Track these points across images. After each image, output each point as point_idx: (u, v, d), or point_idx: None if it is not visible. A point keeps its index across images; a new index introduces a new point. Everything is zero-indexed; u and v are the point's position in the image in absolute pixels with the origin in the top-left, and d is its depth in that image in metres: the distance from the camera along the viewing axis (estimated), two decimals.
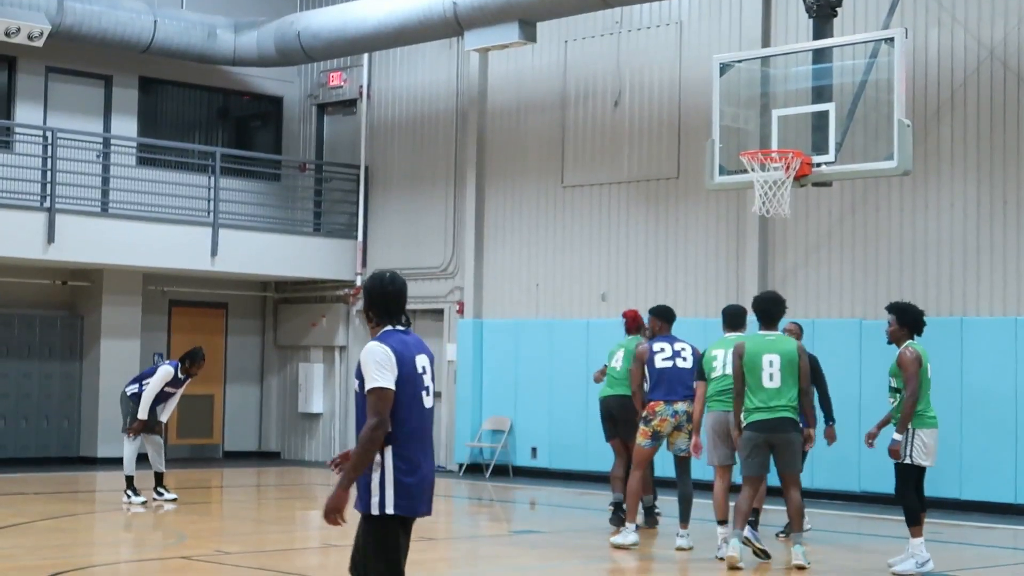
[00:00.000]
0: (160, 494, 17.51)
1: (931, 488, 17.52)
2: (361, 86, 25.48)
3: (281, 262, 24.36)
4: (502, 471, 22.12)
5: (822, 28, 17.31)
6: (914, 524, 12.01)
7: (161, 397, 17.33)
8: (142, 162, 24.39)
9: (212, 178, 23.74)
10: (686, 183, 20.89)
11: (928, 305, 18.37)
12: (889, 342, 12.43)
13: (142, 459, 17.67)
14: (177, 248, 22.92)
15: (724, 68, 17.08)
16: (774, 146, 16.28)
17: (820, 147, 16.17)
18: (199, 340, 24.60)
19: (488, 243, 23.52)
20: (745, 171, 16.33)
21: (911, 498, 12.05)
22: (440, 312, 24.03)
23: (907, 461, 11.98)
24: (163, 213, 23.32)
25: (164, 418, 17.69)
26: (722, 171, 16.84)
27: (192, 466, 23.47)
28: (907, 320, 12.35)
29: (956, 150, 18.54)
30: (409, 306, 23.54)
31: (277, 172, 26.47)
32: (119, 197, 23.54)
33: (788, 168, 15.90)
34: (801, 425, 12.26)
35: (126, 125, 24.53)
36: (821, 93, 16.60)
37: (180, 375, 17.30)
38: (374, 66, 25.44)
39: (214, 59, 24.23)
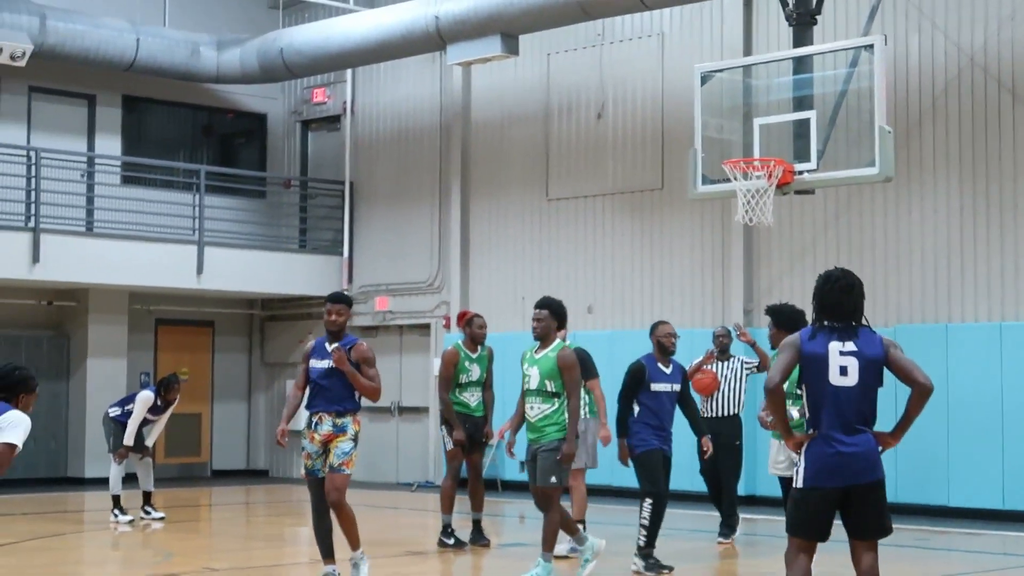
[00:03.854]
0: (148, 513, 17.48)
1: (919, 495, 17.66)
2: (345, 102, 25.50)
3: (267, 279, 24.35)
4: (491, 485, 22.08)
5: (802, 36, 17.36)
6: None
7: (144, 422, 17.33)
8: (126, 181, 24.40)
9: (197, 196, 23.72)
10: (670, 194, 20.92)
11: (913, 312, 18.44)
12: (772, 347, 12.13)
13: (130, 478, 17.64)
14: (163, 266, 22.90)
15: (705, 78, 17.12)
16: (756, 155, 16.31)
17: (802, 155, 16.21)
18: (186, 358, 24.63)
19: (474, 257, 23.53)
20: (728, 180, 16.36)
21: None
22: (427, 327, 24.02)
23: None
24: (148, 232, 23.31)
25: (150, 442, 17.68)
26: (705, 180, 16.87)
27: (180, 485, 23.43)
28: (783, 322, 11.96)
29: (938, 156, 18.58)
30: (395, 322, 23.39)
31: (262, 189, 26.47)
32: (104, 216, 23.52)
33: (771, 176, 15.94)
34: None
35: (110, 144, 24.53)
36: (802, 102, 16.64)
37: (159, 403, 17.30)
38: (358, 81, 25.46)
39: (197, 77, 24.23)
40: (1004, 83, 18.03)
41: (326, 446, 11.21)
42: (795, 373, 11.12)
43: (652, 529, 12.50)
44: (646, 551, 12.53)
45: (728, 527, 15.09)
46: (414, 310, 24.18)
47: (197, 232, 23.43)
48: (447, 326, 23.45)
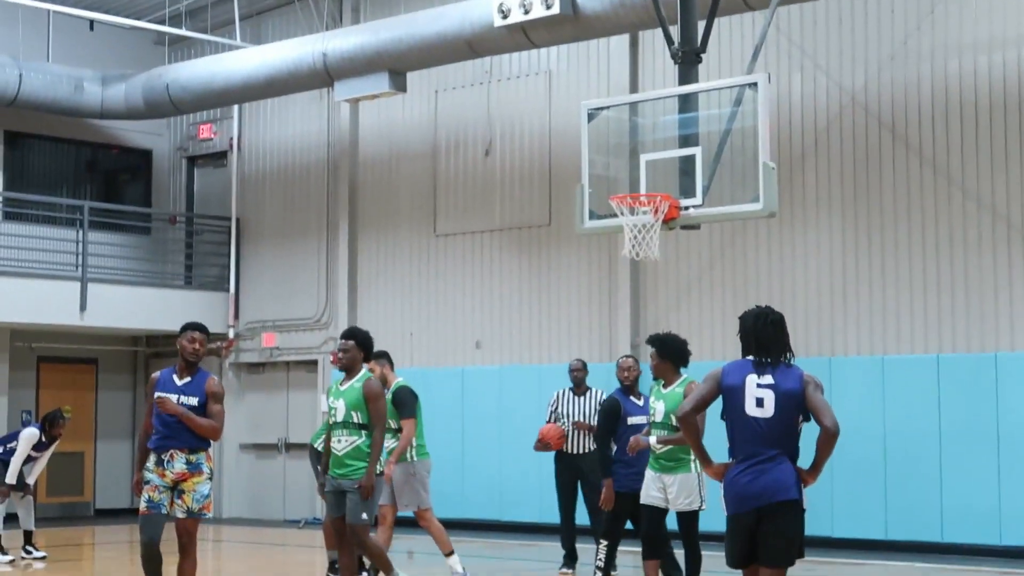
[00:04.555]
0: (29, 552, 17.19)
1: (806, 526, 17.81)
2: (231, 138, 25.37)
3: (152, 315, 24.08)
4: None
5: (688, 74, 17.53)
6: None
7: (27, 459, 17.07)
8: (8, 216, 24.06)
9: (80, 232, 23.45)
10: (558, 230, 21.04)
11: (797, 346, 18.42)
12: (655, 377, 12.00)
13: (11, 518, 17.34)
14: (45, 303, 22.58)
15: (592, 115, 17.21)
16: (643, 190, 16.41)
17: (688, 191, 16.32)
18: (69, 397, 24.26)
19: (362, 293, 23.48)
20: (615, 215, 16.45)
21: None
22: (314, 363, 23.91)
23: None
24: (30, 268, 22.98)
25: (31, 480, 17.41)
26: (592, 216, 16.92)
27: (62, 524, 23.05)
28: (667, 352, 11.89)
29: (821, 193, 18.88)
30: (282, 358, 23.19)
31: (147, 225, 26.23)
32: None
33: (656, 211, 16.01)
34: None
35: None
36: (688, 139, 16.78)
37: (43, 439, 17.06)
38: (244, 118, 25.35)
39: (81, 112, 23.97)
40: (884, 122, 18.37)
41: (177, 484, 10.71)
42: (673, 403, 11.29)
43: (605, 571, 12.47)
44: None
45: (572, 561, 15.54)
46: (301, 346, 24.06)
47: (80, 268, 23.15)
48: (335, 362, 23.31)
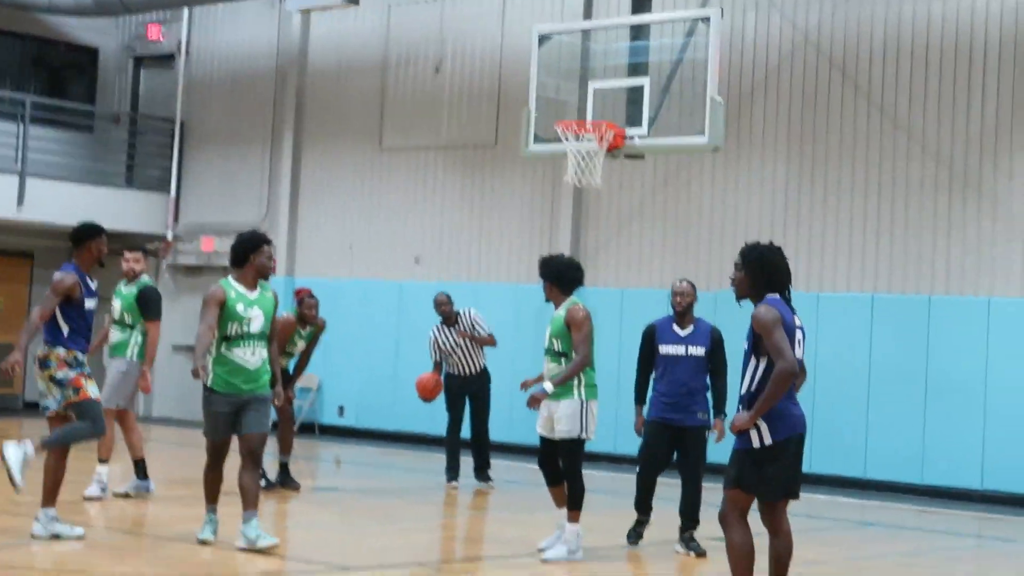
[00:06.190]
0: None
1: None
2: (180, 41, 25.11)
3: (92, 214, 23.45)
4: (309, 428, 22.04)
5: (641, 4, 17.57)
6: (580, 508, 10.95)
7: None
8: None
9: (21, 126, 23.18)
10: (504, 151, 21.01)
11: None
12: (547, 299, 11.19)
13: None
14: None
15: (543, 39, 17.20)
16: (589, 117, 16.46)
17: (634, 120, 16.38)
18: (3, 289, 24.11)
19: (303, 202, 23.40)
20: (560, 141, 16.48)
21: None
22: None
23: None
24: None
25: None
26: (537, 140, 16.97)
27: None
28: (549, 274, 11.08)
29: (768, 130, 18.93)
30: (220, 262, 22.93)
31: (90, 124, 25.96)
32: None
33: (601, 139, 16.08)
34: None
35: None
36: (638, 68, 16.83)
37: None
38: (194, 21, 25.08)
39: (29, 6, 23.68)
40: (835, 62, 18.42)
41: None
42: (554, 327, 10.87)
43: (636, 495, 11.84)
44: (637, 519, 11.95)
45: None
46: None
47: (20, 162, 22.92)
48: (273, 270, 23.23)
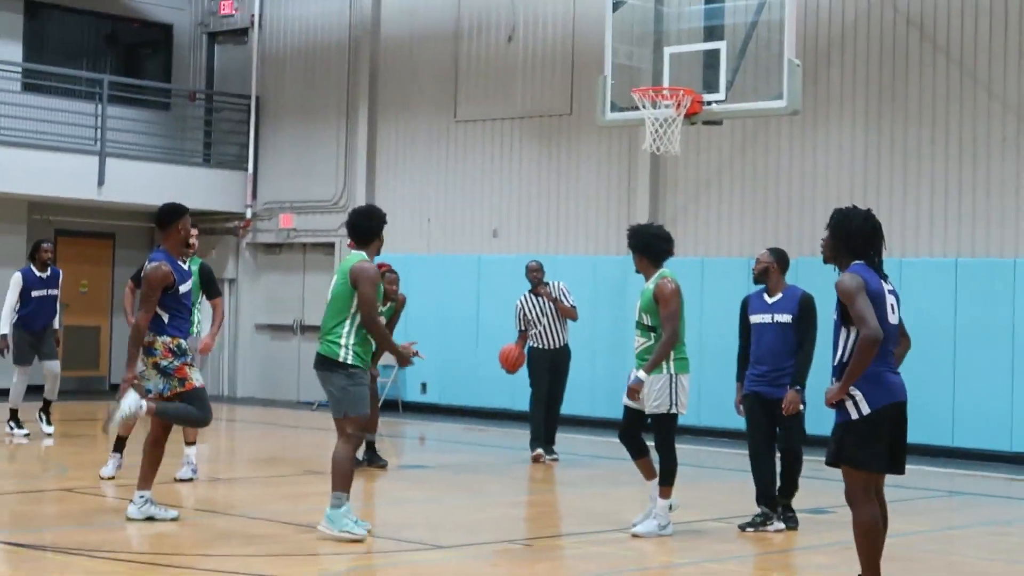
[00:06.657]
0: (40, 419, 17.22)
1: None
2: (253, 15, 25.15)
3: (169, 192, 23.74)
4: (392, 406, 22.10)
5: None
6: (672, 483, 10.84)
7: (38, 303, 16.88)
8: (27, 88, 23.93)
9: (99, 106, 23.33)
10: (579, 120, 20.90)
11: (815, 246, 18.52)
12: (637, 271, 11.07)
13: (32, 390, 17.37)
14: (63, 176, 22.55)
15: (617, 4, 17.08)
16: (666, 83, 16.32)
17: (711, 85, 16.24)
18: (86, 270, 24.34)
19: (380, 176, 23.41)
20: (637, 108, 16.36)
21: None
22: (331, 246, 23.89)
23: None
24: (49, 140, 22.91)
25: (57, 323, 17.25)
26: (614, 108, 16.86)
27: (78, 398, 23.18)
28: (637, 245, 10.92)
29: (845, 92, 18.70)
30: (299, 239, 23.14)
31: (166, 101, 26.09)
32: (3, 123, 23.07)
33: (679, 106, 15.95)
34: None
35: (11, 50, 24.03)
36: (713, 32, 16.66)
37: (38, 272, 16.97)
38: None
39: None
40: (913, 20, 18.15)
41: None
42: (643, 301, 10.73)
43: (756, 487, 11.34)
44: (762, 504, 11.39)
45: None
46: (318, 228, 24.03)
47: (99, 143, 23.07)
48: (351, 245, 23.27)
